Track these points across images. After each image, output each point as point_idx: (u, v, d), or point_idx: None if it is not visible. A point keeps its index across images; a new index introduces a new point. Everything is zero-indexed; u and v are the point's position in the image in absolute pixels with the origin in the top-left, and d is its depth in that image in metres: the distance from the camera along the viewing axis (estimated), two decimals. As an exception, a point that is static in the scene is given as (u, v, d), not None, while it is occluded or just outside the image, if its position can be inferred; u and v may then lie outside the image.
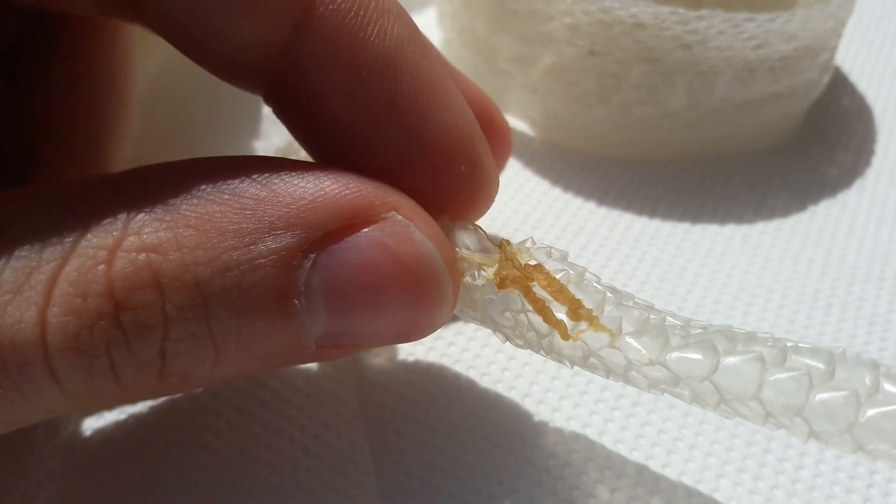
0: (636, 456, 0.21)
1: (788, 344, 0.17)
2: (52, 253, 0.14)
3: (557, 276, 0.17)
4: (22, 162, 0.21)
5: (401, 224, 0.16)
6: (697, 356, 0.16)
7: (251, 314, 0.15)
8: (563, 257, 0.18)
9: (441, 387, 0.23)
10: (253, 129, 0.28)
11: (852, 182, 0.31)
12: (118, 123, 0.23)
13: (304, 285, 0.15)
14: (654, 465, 0.21)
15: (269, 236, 0.15)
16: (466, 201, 0.18)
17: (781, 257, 0.28)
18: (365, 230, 0.16)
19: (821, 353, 0.17)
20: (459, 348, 0.24)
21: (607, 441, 0.21)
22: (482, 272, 0.18)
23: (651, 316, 0.17)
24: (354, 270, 0.16)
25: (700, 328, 0.17)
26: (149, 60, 0.21)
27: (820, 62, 0.31)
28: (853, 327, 0.25)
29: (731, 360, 0.16)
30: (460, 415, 0.22)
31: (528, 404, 0.22)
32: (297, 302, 0.16)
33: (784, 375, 0.16)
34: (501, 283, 0.17)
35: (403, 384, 0.22)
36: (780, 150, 0.32)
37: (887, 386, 0.16)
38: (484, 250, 0.18)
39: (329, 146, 0.17)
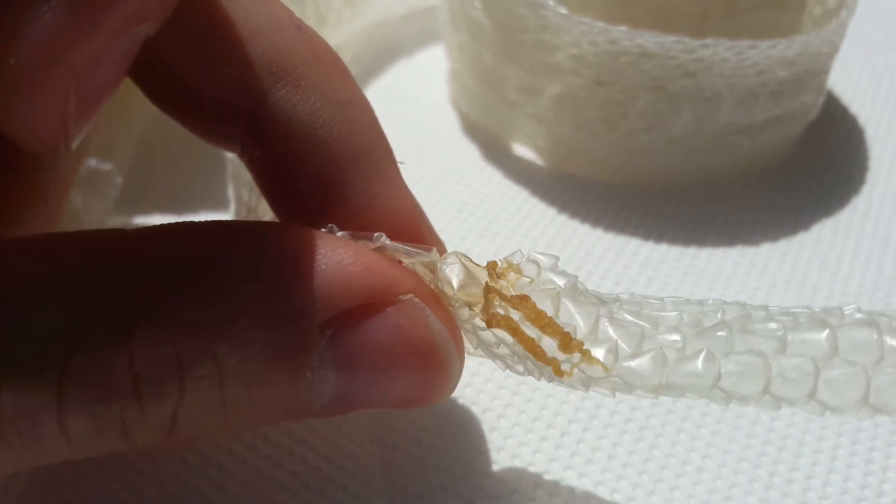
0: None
1: (785, 318, 0.17)
2: (70, 319, 0.14)
3: (550, 292, 0.17)
4: None
5: (416, 307, 0.17)
6: (697, 367, 0.16)
7: (264, 385, 0.16)
8: (553, 265, 0.18)
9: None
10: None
11: (855, 204, 0.32)
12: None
13: (318, 360, 0.16)
14: None
15: (289, 313, 0.15)
16: None
17: (787, 281, 0.28)
18: (382, 311, 0.16)
19: (819, 323, 0.17)
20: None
21: (603, 492, 0.21)
22: (471, 309, 0.18)
23: (645, 325, 0.17)
24: (368, 349, 0.16)
25: (690, 316, 0.17)
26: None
27: (816, 85, 0.31)
28: (860, 350, 0.26)
29: (731, 364, 0.16)
30: (465, 418, 0.22)
31: (530, 439, 0.23)
32: (309, 375, 0.16)
33: (788, 363, 0.16)
34: (489, 324, 0.17)
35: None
36: (779, 172, 0.33)
37: (891, 342, 0.16)
38: (470, 283, 0.18)
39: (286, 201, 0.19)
